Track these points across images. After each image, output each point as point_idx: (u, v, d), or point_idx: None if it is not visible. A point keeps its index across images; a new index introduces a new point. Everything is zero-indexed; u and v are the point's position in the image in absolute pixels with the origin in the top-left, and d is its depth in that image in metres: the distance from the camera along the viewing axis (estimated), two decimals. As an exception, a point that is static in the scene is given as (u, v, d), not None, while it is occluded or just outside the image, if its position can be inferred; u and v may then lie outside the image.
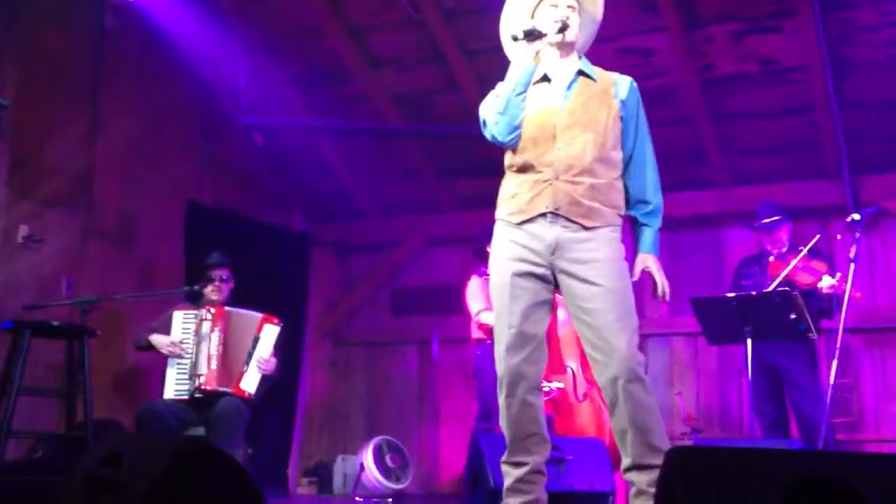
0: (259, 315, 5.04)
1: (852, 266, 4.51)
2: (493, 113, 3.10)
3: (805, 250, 4.93)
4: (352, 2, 5.85)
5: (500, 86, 3.15)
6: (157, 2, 5.50)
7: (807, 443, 4.66)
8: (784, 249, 5.15)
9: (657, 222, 3.14)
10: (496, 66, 5.79)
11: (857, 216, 4.61)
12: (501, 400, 3.02)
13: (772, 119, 5.96)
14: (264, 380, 4.98)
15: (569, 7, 3.13)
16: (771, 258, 5.09)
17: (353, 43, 6.11)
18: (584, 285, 2.93)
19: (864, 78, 5.57)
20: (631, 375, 2.86)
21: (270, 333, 5.01)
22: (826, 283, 4.82)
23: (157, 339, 4.93)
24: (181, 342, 4.89)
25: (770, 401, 5.08)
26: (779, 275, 4.91)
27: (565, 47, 3.15)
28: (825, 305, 4.94)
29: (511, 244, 3.04)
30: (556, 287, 3.04)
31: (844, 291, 4.59)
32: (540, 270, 2.99)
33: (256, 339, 4.96)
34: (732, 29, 5.48)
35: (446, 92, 6.27)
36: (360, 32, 6.07)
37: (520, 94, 3.07)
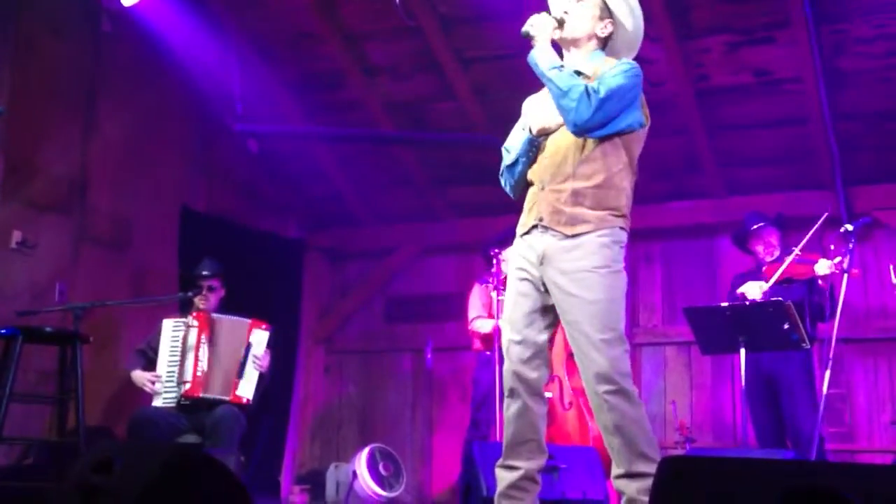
0: (247, 321, 5.04)
1: (846, 277, 4.51)
2: (502, 165, 3.17)
3: (800, 246, 4.87)
4: (347, 9, 5.85)
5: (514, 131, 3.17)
6: (152, 8, 5.48)
7: (798, 452, 4.65)
8: (777, 253, 5.13)
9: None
10: (492, 75, 5.87)
11: (849, 227, 4.61)
12: (505, 402, 3.03)
13: (766, 129, 5.97)
14: (260, 380, 4.99)
15: None
16: (764, 267, 5.08)
17: (349, 50, 6.11)
18: (565, 297, 2.92)
19: (858, 89, 5.60)
20: (611, 388, 2.83)
21: (261, 338, 5.02)
22: (822, 265, 4.72)
23: (136, 376, 4.96)
24: (170, 350, 4.90)
25: (765, 409, 5.06)
26: (774, 274, 4.87)
27: (566, 44, 3.10)
28: (823, 301, 4.85)
29: (516, 254, 3.10)
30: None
31: (842, 276, 4.55)
32: (535, 280, 3.01)
33: (249, 346, 4.96)
34: (727, 40, 5.49)
35: (441, 100, 6.26)
36: (356, 39, 6.07)
37: (511, 165, 3.11)
